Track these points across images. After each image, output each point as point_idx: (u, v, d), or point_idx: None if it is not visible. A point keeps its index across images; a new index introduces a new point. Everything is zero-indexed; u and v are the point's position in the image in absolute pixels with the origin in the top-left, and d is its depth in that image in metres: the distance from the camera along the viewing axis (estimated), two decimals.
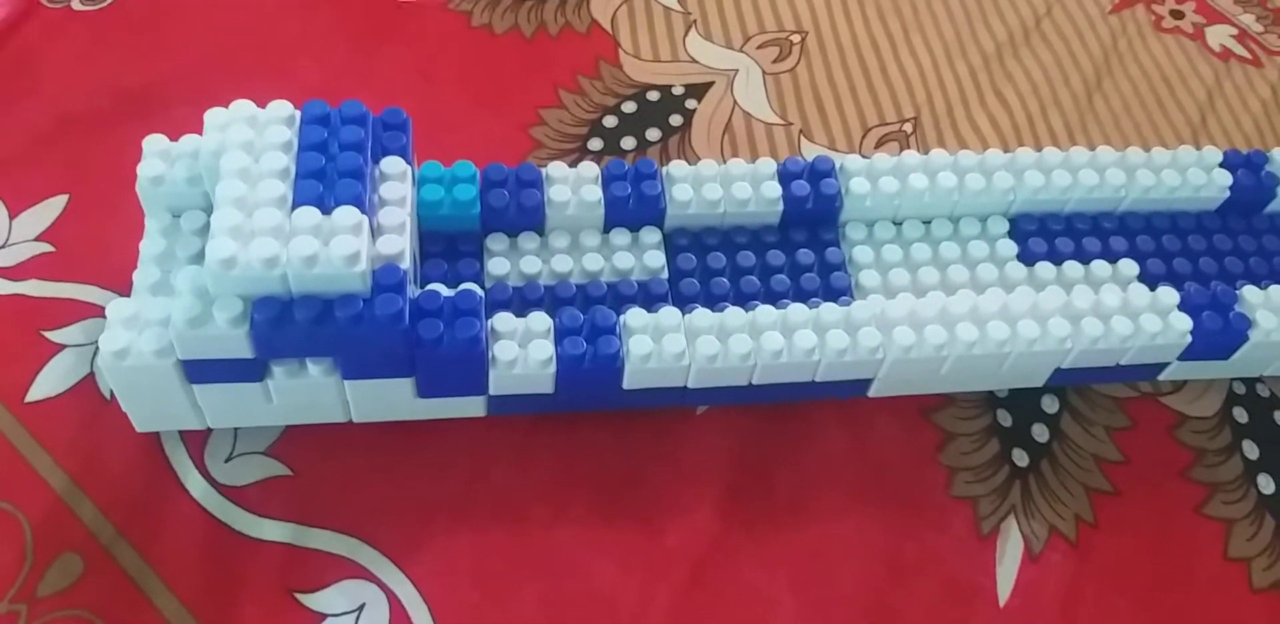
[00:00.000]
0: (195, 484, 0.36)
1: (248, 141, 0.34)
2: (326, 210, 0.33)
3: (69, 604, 0.34)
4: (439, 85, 0.49)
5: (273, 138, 0.34)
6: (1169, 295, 0.39)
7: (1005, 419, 0.41)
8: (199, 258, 0.36)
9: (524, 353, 0.35)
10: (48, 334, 0.39)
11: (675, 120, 0.49)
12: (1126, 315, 0.39)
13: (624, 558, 0.36)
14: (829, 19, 0.54)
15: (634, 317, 0.37)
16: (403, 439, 0.38)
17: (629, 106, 0.50)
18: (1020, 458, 0.40)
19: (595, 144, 0.48)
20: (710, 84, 0.51)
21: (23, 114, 0.46)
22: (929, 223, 0.42)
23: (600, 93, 0.50)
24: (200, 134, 0.37)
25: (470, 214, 0.39)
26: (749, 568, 0.37)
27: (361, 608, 0.35)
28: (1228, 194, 0.43)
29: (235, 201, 0.32)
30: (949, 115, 0.51)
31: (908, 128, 0.50)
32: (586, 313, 0.37)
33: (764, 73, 0.51)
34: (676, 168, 0.41)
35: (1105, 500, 0.40)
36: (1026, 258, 0.42)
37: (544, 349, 0.36)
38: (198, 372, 0.34)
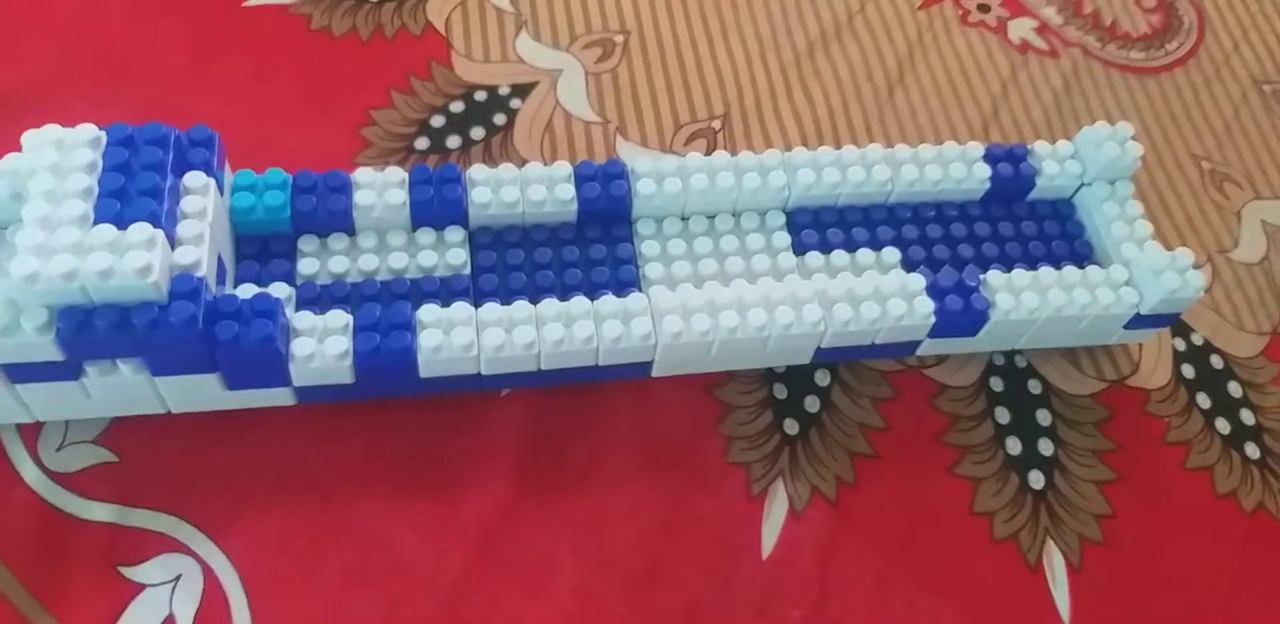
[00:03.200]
0: (29, 472, 0.40)
1: (54, 164, 0.37)
2: (123, 226, 0.36)
3: None
4: (275, 89, 0.53)
5: (77, 160, 0.37)
6: (916, 281, 0.44)
7: (781, 392, 0.46)
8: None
9: (320, 348, 0.39)
10: None
11: (499, 119, 0.53)
12: (876, 300, 0.43)
13: (422, 528, 0.41)
14: (652, 18, 0.58)
15: (427, 312, 0.41)
16: (221, 426, 0.42)
17: (457, 106, 0.53)
18: (791, 426, 0.45)
19: (422, 143, 0.52)
20: (535, 84, 0.54)
21: None
22: (713, 218, 0.46)
23: (430, 93, 0.53)
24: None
25: (280, 218, 0.43)
26: (536, 532, 0.41)
27: (178, 579, 0.39)
28: (989, 185, 0.48)
29: (40, 221, 0.36)
30: (757, 111, 0.55)
31: (716, 125, 0.54)
32: (389, 309, 0.41)
33: (586, 72, 0.55)
34: (477, 171, 0.45)
35: (866, 463, 0.44)
36: (799, 248, 0.46)
37: (339, 344, 0.39)
38: (15, 373, 0.37)
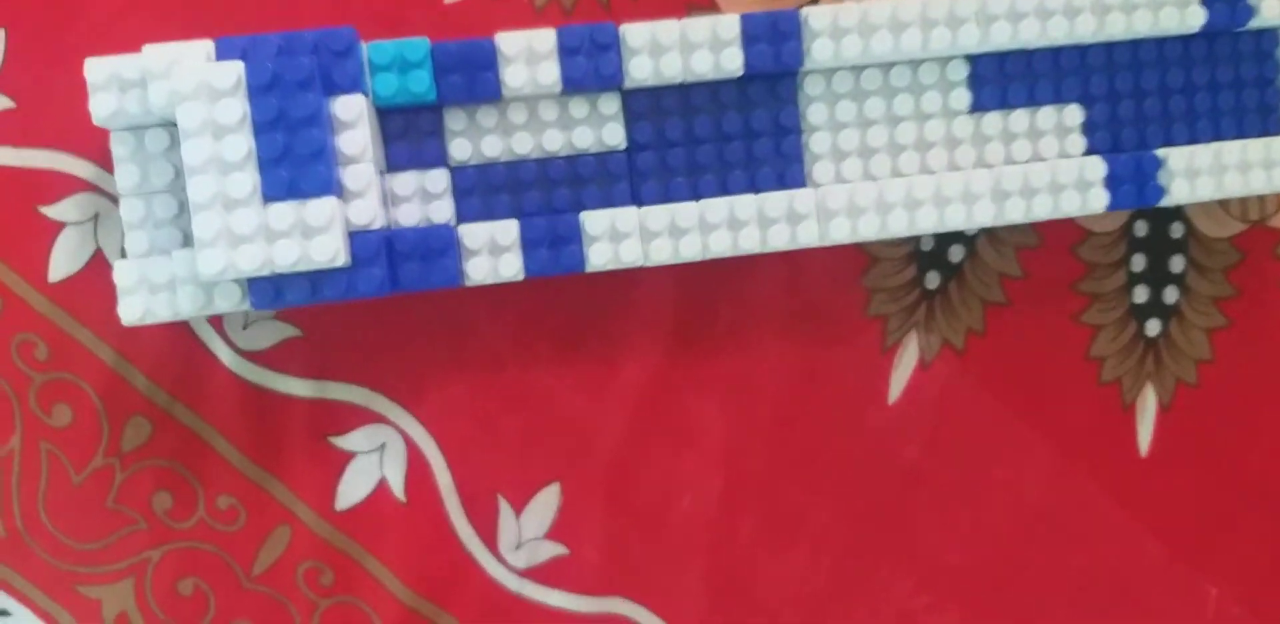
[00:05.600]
0: (225, 354, 0.43)
1: (202, 122, 0.34)
2: (300, 200, 0.34)
3: (150, 455, 0.43)
4: None
5: (229, 114, 0.34)
6: (1094, 169, 0.42)
7: (927, 243, 0.46)
8: (174, 183, 0.38)
9: (493, 269, 0.39)
10: (45, 211, 0.42)
11: None
12: (1050, 192, 0.41)
13: (592, 388, 0.45)
14: None
15: (593, 222, 0.40)
16: (393, 297, 0.43)
17: None
18: (932, 280, 0.46)
19: None
20: None
21: None
22: (889, 69, 0.42)
23: None
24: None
25: (427, 101, 0.39)
26: (686, 393, 0.45)
27: (383, 446, 0.44)
28: (1199, 28, 0.42)
29: (210, 201, 0.34)
30: None
31: None
32: (549, 199, 0.40)
33: None
34: (633, 34, 0.39)
35: (997, 312, 0.47)
36: (977, 107, 0.42)
37: (511, 265, 0.39)
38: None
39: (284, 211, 0.34)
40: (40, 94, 0.42)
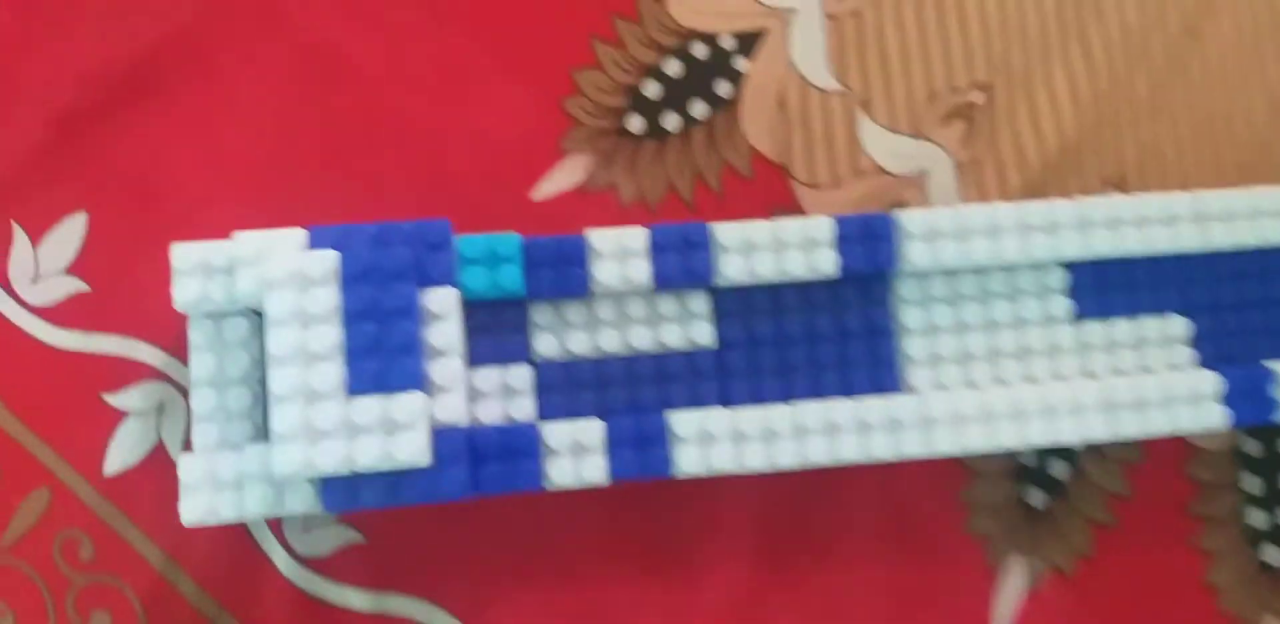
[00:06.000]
0: (280, 557, 0.40)
1: (295, 311, 0.33)
2: (385, 394, 0.33)
3: None
4: (455, 36, 0.44)
5: (319, 304, 0.33)
6: (1210, 383, 0.40)
7: (1028, 458, 0.44)
8: (250, 374, 0.36)
9: (577, 472, 0.37)
10: (108, 399, 0.40)
11: (723, 89, 0.45)
12: (1162, 407, 0.39)
13: (669, 612, 0.41)
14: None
15: (682, 423, 0.38)
16: (465, 504, 0.40)
17: (672, 68, 0.45)
18: (1035, 497, 0.43)
19: (636, 124, 0.44)
20: (762, 33, 0.45)
21: (12, 120, 0.42)
22: (984, 274, 0.41)
23: (642, 44, 0.45)
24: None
25: (516, 297, 0.38)
26: (781, 615, 0.42)
27: None
28: None
29: (292, 392, 0.32)
30: (1025, 79, 0.46)
31: (978, 98, 0.46)
32: (635, 396, 0.39)
33: (824, 13, 0.45)
34: (726, 234, 0.39)
35: (1105, 534, 0.44)
36: (1078, 314, 0.41)
37: (595, 468, 0.37)
38: None
39: (369, 406, 0.32)
40: (116, 279, 0.41)
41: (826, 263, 0.39)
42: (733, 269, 0.39)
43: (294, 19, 0.44)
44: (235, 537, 0.40)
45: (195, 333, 0.36)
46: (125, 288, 0.41)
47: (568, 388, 0.39)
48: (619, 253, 0.39)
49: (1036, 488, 0.44)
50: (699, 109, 0.45)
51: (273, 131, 0.43)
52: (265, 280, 0.33)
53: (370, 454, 0.32)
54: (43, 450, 0.40)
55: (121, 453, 0.40)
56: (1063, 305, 0.41)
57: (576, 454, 0.37)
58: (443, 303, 0.35)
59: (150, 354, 0.41)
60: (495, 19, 0.45)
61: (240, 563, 0.40)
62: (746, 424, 0.38)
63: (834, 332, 0.40)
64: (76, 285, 0.41)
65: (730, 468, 0.38)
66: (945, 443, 0.38)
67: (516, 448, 0.36)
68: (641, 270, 0.38)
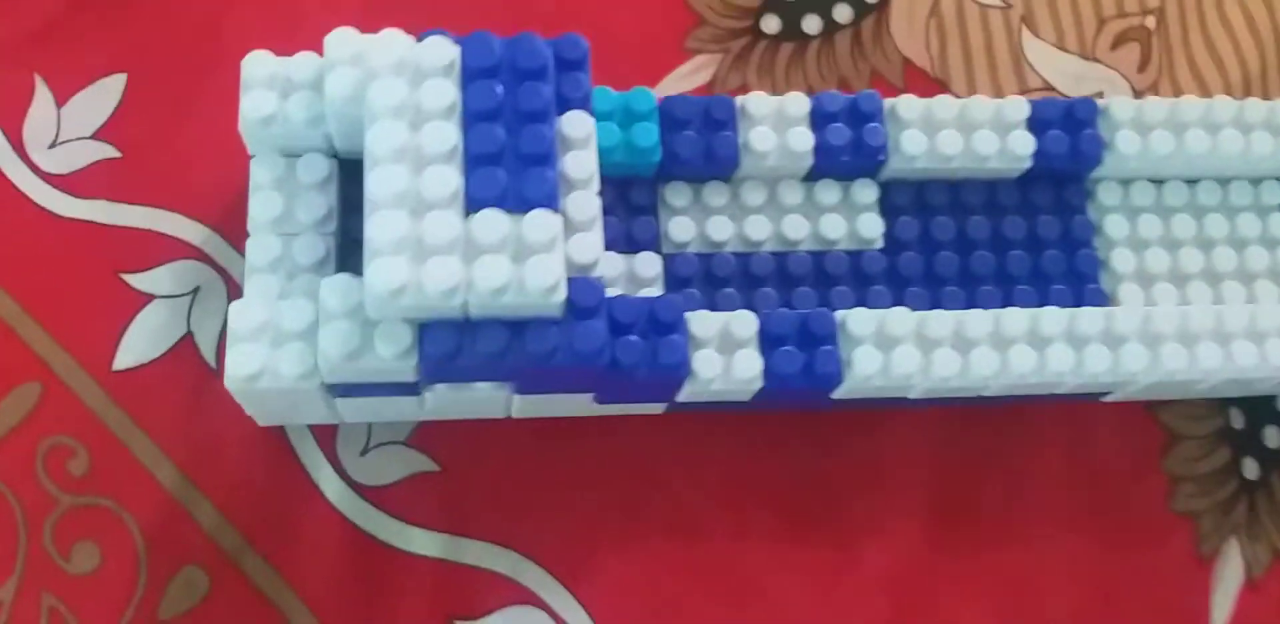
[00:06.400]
0: (329, 482, 0.31)
1: (399, 105, 0.26)
2: (516, 212, 0.25)
3: None
4: None
5: (433, 100, 0.26)
6: None
7: (1238, 420, 0.36)
8: (326, 221, 0.29)
9: (727, 366, 0.29)
10: (129, 279, 0.33)
11: None
12: None
13: (820, 580, 0.32)
14: None
15: (856, 320, 0.30)
16: (562, 433, 0.32)
17: None
18: (1250, 469, 0.36)
19: (771, 24, 0.39)
20: None
21: None
22: (1194, 184, 0.35)
23: None
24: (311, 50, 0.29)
25: (649, 163, 0.32)
26: (951, 591, 0.33)
27: None
28: None
29: (396, 199, 0.25)
30: (1197, 6, 0.41)
31: (1150, 21, 0.41)
32: (788, 298, 0.31)
33: (1132, 87, 0.40)
34: (906, 106, 0.33)
35: None
36: None
37: (751, 364, 0.29)
38: (346, 390, 0.28)
39: (493, 221, 0.25)
40: (153, 146, 0.34)
41: (1021, 145, 0.33)
42: (913, 146, 0.32)
43: None
44: (275, 451, 0.31)
45: (259, 170, 0.29)
46: (164, 155, 0.34)
47: (704, 283, 0.32)
48: (776, 120, 0.32)
49: (1251, 457, 0.36)
50: (843, 12, 0.39)
51: (358, 6, 0.37)
52: (369, 70, 0.26)
53: (495, 275, 0.24)
54: (37, 336, 0.31)
55: (139, 343, 0.32)
56: None
57: (725, 349, 0.30)
58: (580, 127, 0.27)
59: (189, 229, 0.33)
60: None
61: (278, 486, 0.31)
62: (935, 327, 0.30)
63: (1025, 238, 0.34)
64: (104, 150, 0.34)
65: (912, 378, 0.30)
66: (1178, 360, 0.31)
67: (661, 321, 0.28)
68: (803, 140, 0.32)
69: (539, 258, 0.25)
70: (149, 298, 0.32)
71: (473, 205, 0.25)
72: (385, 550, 0.31)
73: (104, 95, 0.34)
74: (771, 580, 0.32)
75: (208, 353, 0.32)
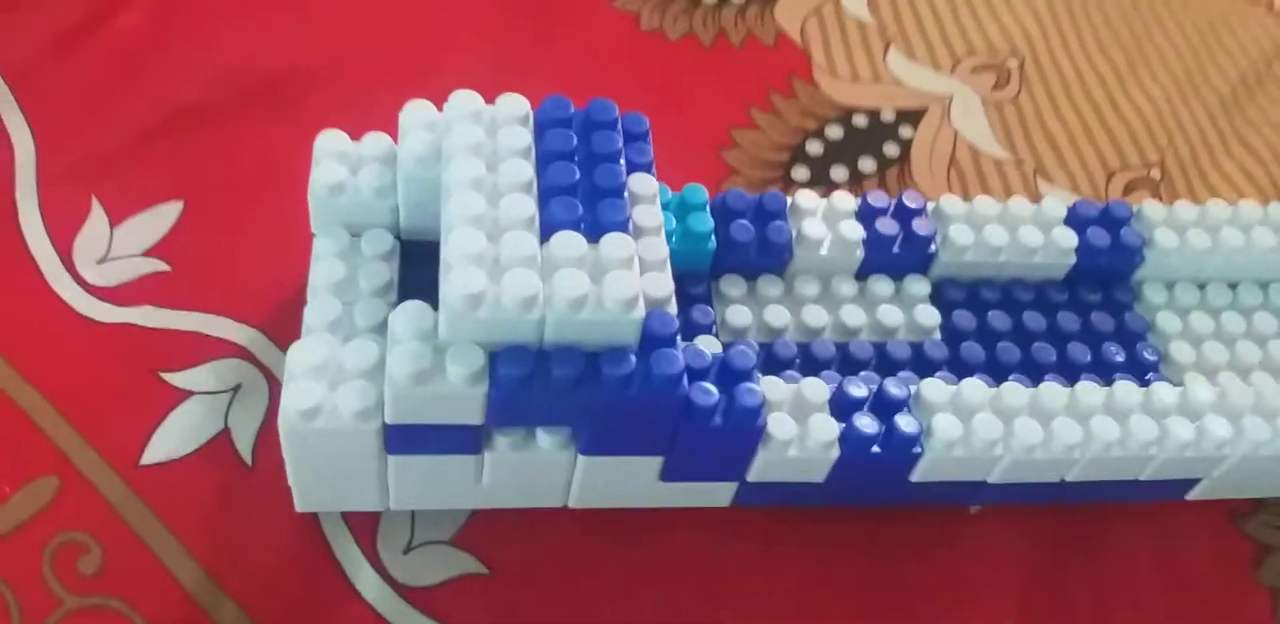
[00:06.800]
0: (368, 583, 0.28)
1: (477, 144, 0.26)
2: (592, 238, 0.25)
3: None
4: (612, 93, 0.42)
5: (509, 141, 0.26)
6: None
7: None
8: (388, 290, 0.28)
9: (804, 431, 0.28)
10: (168, 377, 0.31)
11: (890, 150, 0.42)
12: None
13: None
14: (1044, 43, 0.47)
15: (932, 389, 0.29)
16: (622, 531, 0.30)
17: (834, 132, 0.42)
18: None
19: (800, 173, 0.41)
20: (924, 111, 0.44)
21: (126, 105, 0.38)
22: (1234, 287, 0.35)
23: (799, 114, 0.43)
24: (385, 132, 0.30)
25: (705, 250, 0.32)
26: None
27: None
28: None
29: (474, 221, 0.25)
30: (1194, 162, 0.44)
31: (1155, 173, 0.43)
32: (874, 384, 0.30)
33: (983, 101, 0.45)
34: (949, 203, 0.34)
35: None
36: None
37: (828, 428, 0.28)
38: (404, 440, 0.26)
39: (569, 241, 0.24)
40: (204, 260, 0.34)
41: (1065, 238, 0.33)
42: (961, 237, 0.33)
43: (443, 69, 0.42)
44: (309, 550, 0.28)
45: (323, 242, 0.29)
46: (214, 266, 0.34)
47: (768, 368, 0.31)
48: (827, 212, 0.33)
49: None
50: (867, 164, 0.42)
51: None
52: (445, 120, 0.27)
53: (573, 286, 0.23)
54: (60, 429, 0.29)
55: (171, 439, 0.30)
56: None
57: (800, 412, 0.28)
58: (646, 185, 0.28)
59: (233, 330, 0.32)
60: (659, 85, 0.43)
61: (311, 587, 0.28)
62: (1012, 397, 0.29)
63: (1081, 332, 0.33)
64: (154, 265, 0.34)
65: (998, 446, 0.28)
66: (1254, 431, 0.29)
67: (737, 369, 0.27)
68: (853, 230, 0.32)
69: (616, 273, 0.24)
70: (186, 394, 0.31)
71: (548, 230, 0.25)
72: None
73: (159, 219, 0.35)
74: None
75: (244, 450, 0.30)
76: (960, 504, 0.32)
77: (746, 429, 0.27)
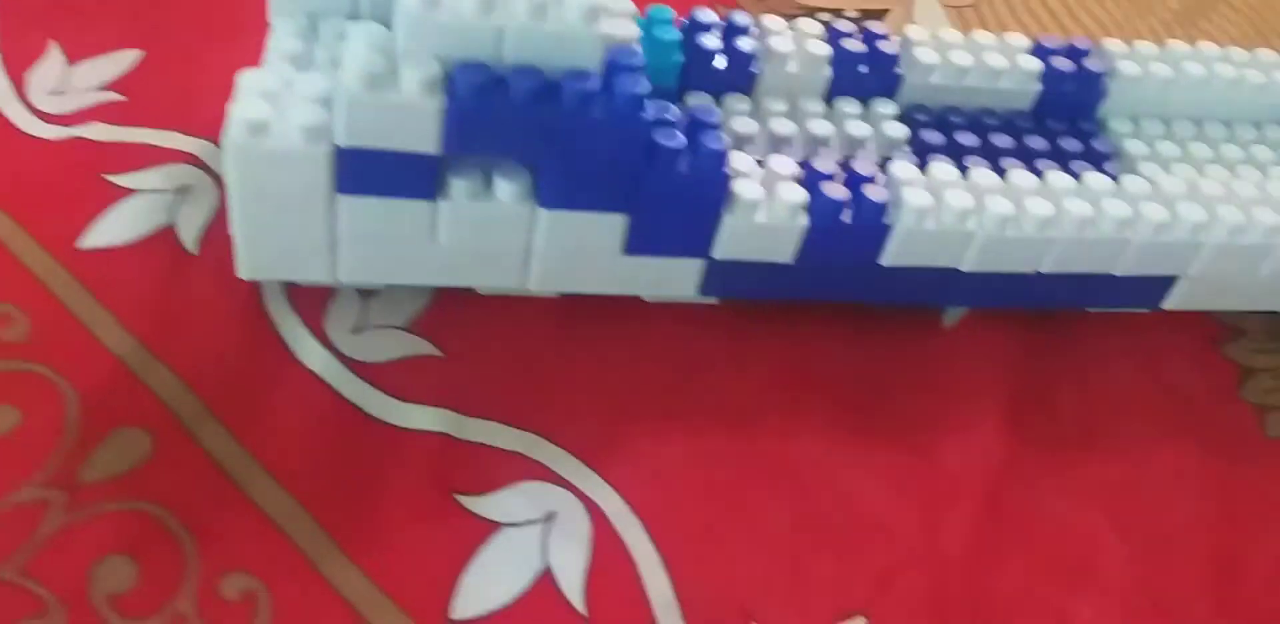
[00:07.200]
0: (313, 355, 0.27)
1: None
2: None
3: (129, 494, 0.24)
4: None
5: None
6: None
7: None
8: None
9: (772, 196, 0.27)
10: (114, 178, 0.30)
11: None
12: None
13: (893, 478, 0.27)
14: None
15: (902, 167, 0.29)
16: (587, 319, 0.29)
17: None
18: None
19: None
20: (886, 11, 0.44)
21: None
22: (1200, 125, 0.35)
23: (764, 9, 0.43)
24: None
25: (671, 61, 0.31)
26: (1054, 497, 0.28)
27: (551, 517, 0.25)
28: None
29: None
30: None
31: None
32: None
33: (942, 3, 0.45)
34: (915, 31, 0.34)
35: None
36: None
37: (796, 193, 0.27)
38: (355, 173, 0.25)
39: None
40: (156, 92, 0.33)
41: (1029, 64, 0.33)
42: (927, 56, 0.32)
43: None
44: (252, 328, 0.27)
45: (280, 23, 0.28)
46: (170, 97, 0.33)
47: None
48: (794, 33, 0.33)
49: None
50: None
51: None
52: None
53: None
54: None
55: (113, 227, 0.28)
56: None
57: (769, 181, 0.27)
58: None
59: (186, 142, 0.31)
60: None
61: (251, 355, 0.26)
62: (984, 178, 0.29)
63: (1049, 152, 0.33)
64: (109, 96, 0.33)
65: (969, 218, 0.27)
66: (1230, 214, 0.29)
67: (703, 121, 0.26)
68: (820, 47, 0.32)
69: None
70: (131, 191, 0.30)
71: None
72: (375, 424, 0.26)
73: (117, 63, 0.34)
74: (841, 474, 0.27)
75: (188, 241, 0.29)
76: (935, 304, 0.31)
77: (712, 179, 0.26)
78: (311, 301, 0.28)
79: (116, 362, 0.26)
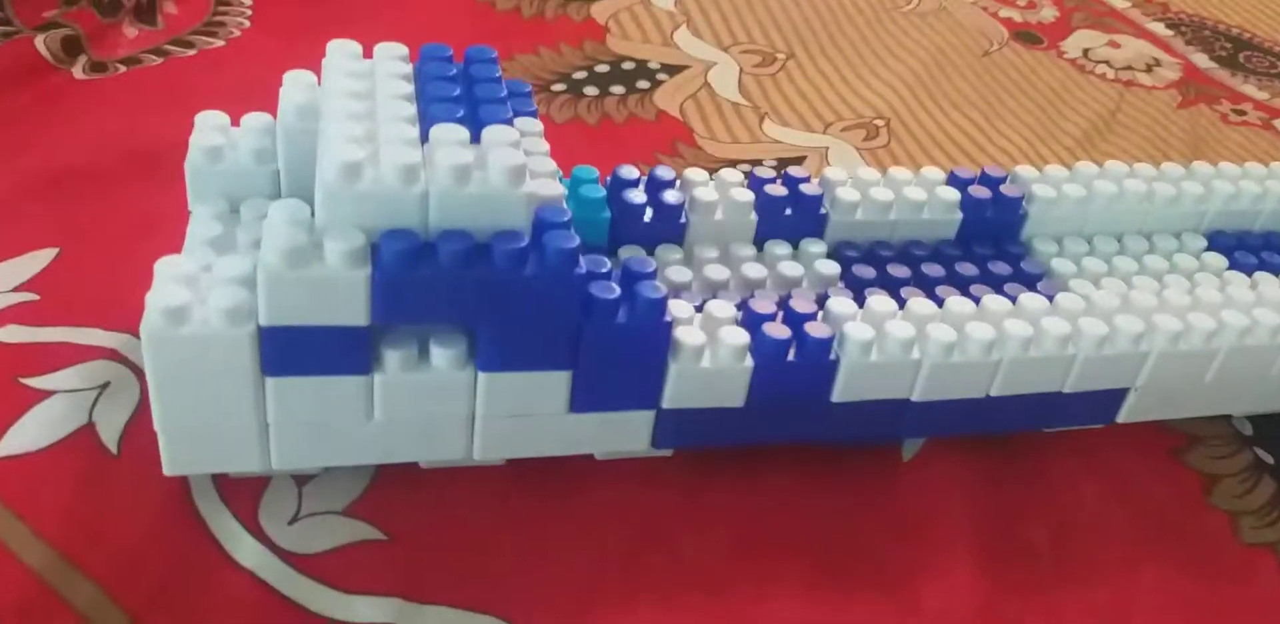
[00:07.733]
0: (248, 551, 0.25)
1: (352, 70, 0.26)
2: (474, 134, 0.25)
3: None
4: None
5: (389, 69, 0.27)
6: None
7: (1266, 456, 0.33)
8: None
9: (714, 341, 0.27)
10: (29, 381, 0.29)
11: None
12: None
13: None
14: (907, 108, 0.50)
15: (840, 303, 0.28)
16: (538, 485, 0.27)
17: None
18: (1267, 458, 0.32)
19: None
20: (804, 158, 0.45)
21: (12, 166, 0.37)
22: (1120, 240, 0.36)
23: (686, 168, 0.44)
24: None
25: (600, 217, 0.31)
26: None
27: None
28: None
29: (351, 117, 0.24)
30: None
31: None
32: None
33: (856, 149, 0.46)
34: (833, 172, 0.34)
35: None
36: (1240, 269, 0.35)
37: (738, 335, 0.27)
38: (282, 352, 0.24)
39: (451, 130, 0.24)
40: (70, 290, 0.32)
41: (948, 194, 0.34)
42: (849, 195, 0.33)
43: None
44: (179, 524, 0.25)
45: (200, 209, 0.28)
46: (85, 297, 0.32)
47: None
48: (718, 183, 0.33)
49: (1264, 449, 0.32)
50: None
51: None
52: (325, 66, 0.27)
53: (456, 156, 0.22)
54: None
55: (28, 432, 0.27)
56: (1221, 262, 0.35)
57: (709, 325, 0.27)
58: (531, 125, 0.28)
59: (102, 337, 0.30)
60: None
61: (181, 559, 0.24)
62: (922, 307, 0.29)
63: (980, 277, 0.33)
64: (21, 298, 0.32)
65: (913, 347, 0.27)
66: (1168, 323, 0.29)
67: (638, 272, 0.26)
68: (744, 194, 0.32)
69: (501, 149, 0.24)
70: (48, 393, 0.28)
71: (428, 125, 0.25)
72: (320, 622, 0.24)
73: (32, 262, 0.33)
74: None
75: (109, 441, 0.27)
76: (891, 438, 0.30)
77: (653, 327, 0.25)
78: (243, 493, 0.26)
79: (32, 576, 0.24)
